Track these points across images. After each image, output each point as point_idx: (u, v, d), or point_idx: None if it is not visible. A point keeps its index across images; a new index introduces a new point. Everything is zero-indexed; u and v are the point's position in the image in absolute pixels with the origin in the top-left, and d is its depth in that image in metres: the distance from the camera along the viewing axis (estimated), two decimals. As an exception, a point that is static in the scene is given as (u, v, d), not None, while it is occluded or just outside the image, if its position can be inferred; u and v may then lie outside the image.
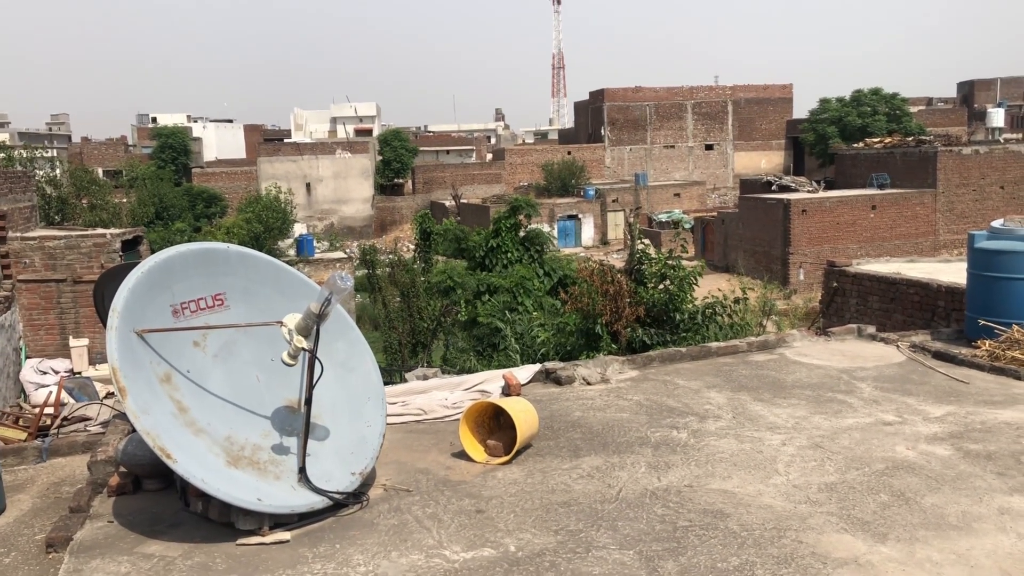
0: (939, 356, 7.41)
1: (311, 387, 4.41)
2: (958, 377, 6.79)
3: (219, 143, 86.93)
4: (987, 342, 7.50)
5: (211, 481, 3.97)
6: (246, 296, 4.85)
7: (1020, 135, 57.01)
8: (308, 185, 66.35)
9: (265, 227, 38.23)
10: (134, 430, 4.38)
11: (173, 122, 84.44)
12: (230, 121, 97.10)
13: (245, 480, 4.15)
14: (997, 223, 8.04)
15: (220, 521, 4.19)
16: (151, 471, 4.60)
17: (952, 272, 10.67)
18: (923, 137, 50.51)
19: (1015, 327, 7.43)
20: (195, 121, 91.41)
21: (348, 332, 5.08)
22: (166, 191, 55.14)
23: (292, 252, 37.64)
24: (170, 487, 4.62)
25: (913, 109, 63.19)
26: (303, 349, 4.35)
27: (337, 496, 4.35)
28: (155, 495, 4.65)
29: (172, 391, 4.34)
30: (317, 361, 4.37)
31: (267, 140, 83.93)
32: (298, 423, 4.53)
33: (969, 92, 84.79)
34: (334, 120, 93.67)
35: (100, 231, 18.03)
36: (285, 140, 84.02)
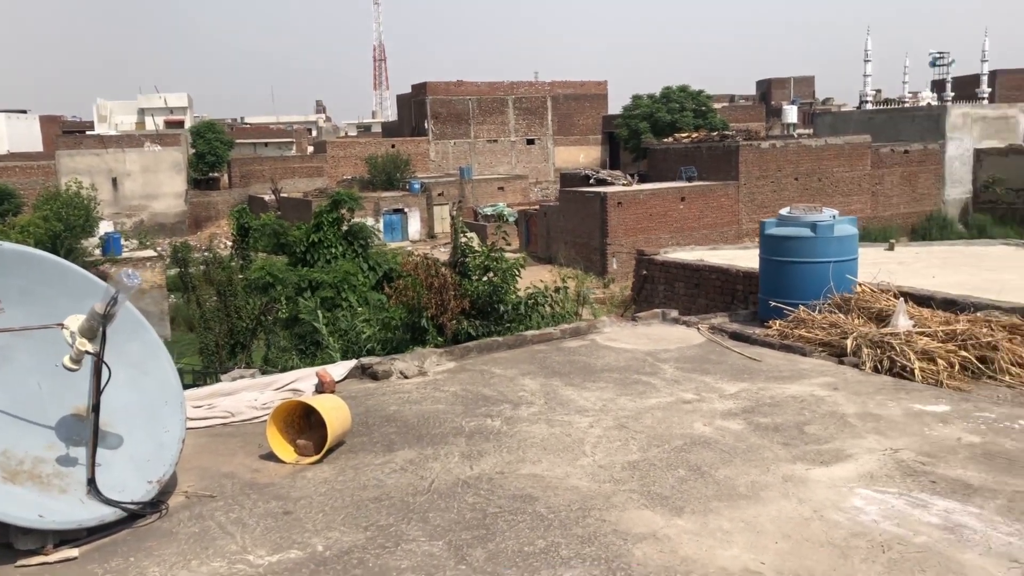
0: (735, 336, 7.89)
1: (98, 393, 4.13)
2: (751, 355, 7.26)
3: (11, 135, 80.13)
4: (777, 322, 8.05)
5: (-16, 500, 3.65)
6: (25, 298, 4.48)
7: (810, 130, 61.65)
8: (115, 180, 62.36)
9: (66, 225, 35.62)
10: None
11: (-44, 112, 77.18)
12: (23, 111, 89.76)
13: (24, 496, 3.84)
14: (785, 211, 8.64)
15: (-2, 542, 3.86)
16: (-84, 493, 4.17)
17: (750, 258, 11.39)
18: (726, 132, 53.65)
19: (801, 307, 8.03)
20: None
21: (142, 333, 4.80)
22: (-51, 187, 50.33)
23: (98, 251, 35.33)
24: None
25: (717, 105, 66.92)
26: (87, 352, 4.07)
27: (132, 507, 4.11)
28: (-78, 520, 4.22)
29: (-62, 404, 3.95)
30: (104, 365, 4.10)
31: (67, 132, 78.19)
32: (86, 432, 4.24)
33: (767, 90, 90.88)
34: (142, 111, 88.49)
35: None
36: (88, 132, 78.64)
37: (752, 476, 4.65)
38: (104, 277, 4.97)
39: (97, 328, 4.10)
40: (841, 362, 6.98)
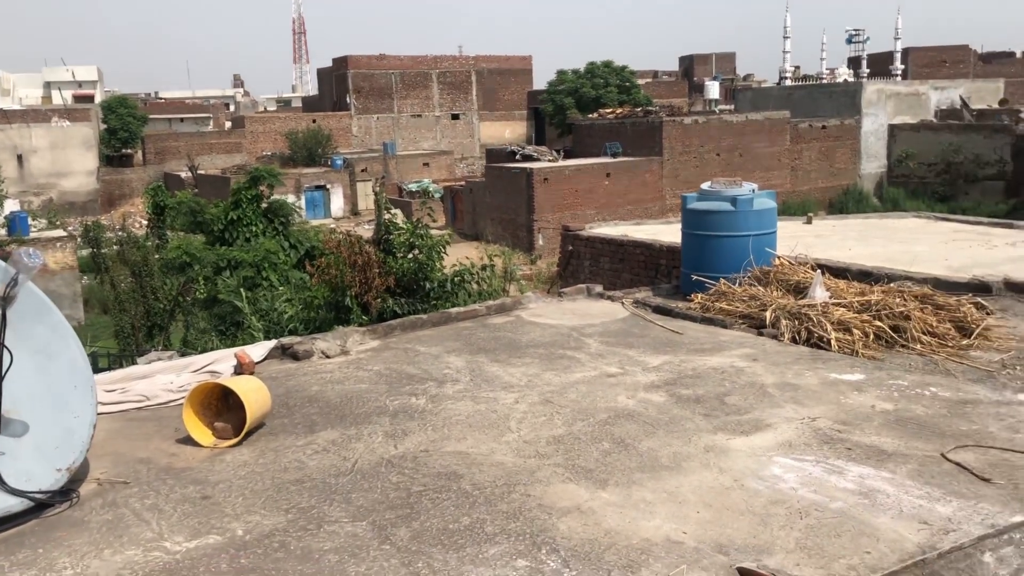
0: (658, 310, 7.98)
1: (0, 378, 3.94)
2: (674, 328, 7.35)
3: (-95, 110, 76.09)
4: (699, 295, 8.17)
5: None
6: (-83, 281, 4.23)
7: (732, 106, 62.67)
8: (20, 157, 59.71)
9: (-32, 205, 34.06)
10: None
11: None
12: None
13: (-79, 489, 3.65)
14: (705, 185, 8.75)
15: None
16: None
17: (673, 233, 11.51)
18: (650, 108, 54.18)
19: (722, 280, 8.16)
20: None
21: (48, 316, 4.58)
22: None
23: (3, 232, 33.86)
24: None
25: (641, 81, 67.48)
26: (-13, 337, 3.87)
27: (39, 496, 3.95)
28: None
29: None
30: (5, 349, 3.91)
31: (-32, 106, 74.57)
32: (-12, 420, 4.05)
33: (689, 66, 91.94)
34: (48, 85, 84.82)
35: None
36: (-9, 107, 75.09)
37: (674, 447, 4.71)
38: (5, 258, 4.74)
39: (-3, 311, 3.90)
40: (760, 334, 7.12)
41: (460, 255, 16.26)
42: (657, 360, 6.41)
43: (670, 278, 10.24)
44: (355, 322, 11.70)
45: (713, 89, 65.15)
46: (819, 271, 7.93)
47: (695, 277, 8.33)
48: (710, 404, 5.41)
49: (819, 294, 7.40)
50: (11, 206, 40.27)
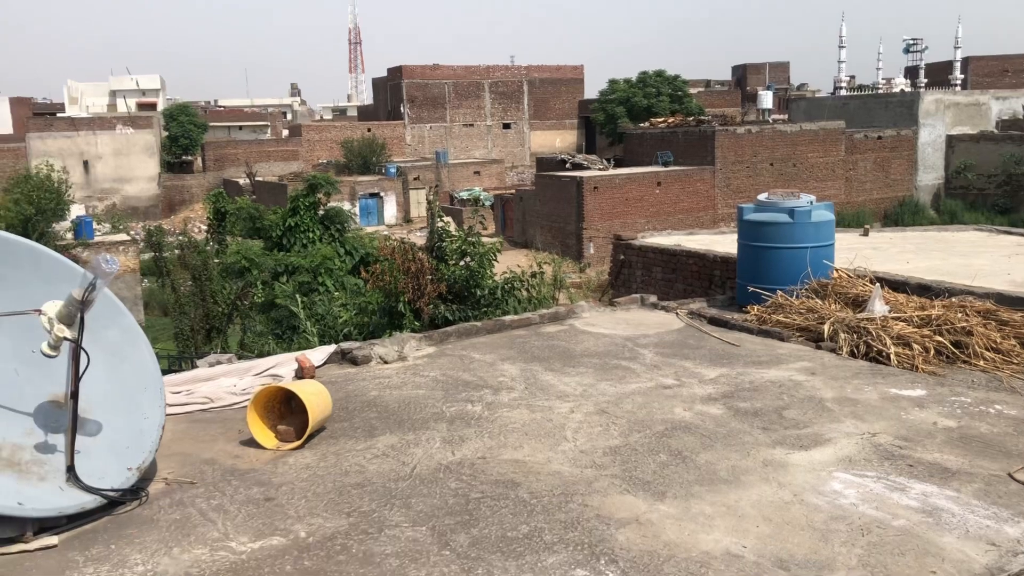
0: (714, 321, 7.93)
1: (77, 379, 4.09)
2: (730, 340, 7.30)
3: (-21, 117, 78.80)
4: (755, 307, 8.11)
5: (-39, 488, 3.61)
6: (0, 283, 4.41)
7: (786, 116, 61.95)
8: (86, 163, 61.47)
9: (37, 209, 35.09)
10: None
11: (-77, 93, 75.62)
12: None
13: (3, 484, 3.79)
14: (762, 196, 8.69)
15: (-25, 531, 3.81)
16: None
17: (727, 243, 11.45)
18: (702, 117, 53.86)
19: (779, 293, 8.09)
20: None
21: (120, 319, 4.74)
22: (-85, 170, 49.41)
23: (70, 236, 34.85)
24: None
25: (693, 91, 67.04)
26: (66, 339, 4.02)
27: (111, 494, 4.08)
28: None
29: (-88, 392, 3.89)
30: (83, 351, 4.05)
31: (37, 114, 76.87)
32: (64, 419, 4.19)
33: (742, 75, 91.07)
34: (114, 93, 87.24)
35: None
36: (59, 115, 77.37)
37: (733, 461, 4.68)
38: (76, 261, 4.91)
39: (75, 314, 4.05)
40: (818, 347, 7.04)
41: (510, 262, 16.36)
42: (714, 372, 6.38)
43: (724, 289, 10.17)
44: (407, 327, 11.84)
45: (766, 99, 64.42)
46: (878, 284, 7.82)
47: (751, 289, 8.27)
48: (768, 418, 5.37)
49: (878, 308, 7.30)
50: (77, 211, 41.39)
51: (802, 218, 8.19)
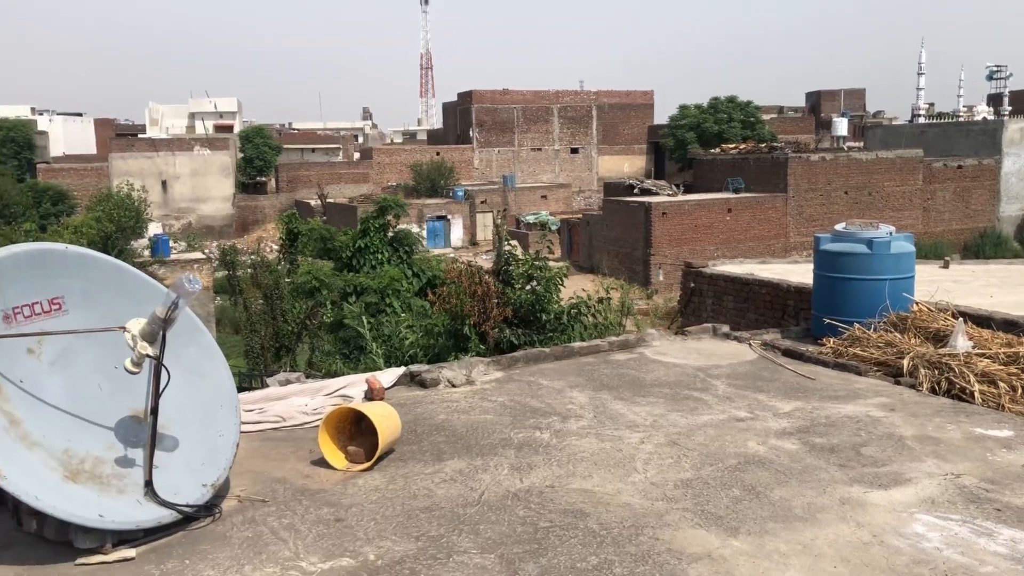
0: (788, 353, 7.76)
1: (157, 396, 4.18)
2: (805, 373, 7.13)
3: (67, 138, 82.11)
4: (832, 340, 7.92)
5: (45, 498, 3.71)
6: (87, 300, 4.55)
7: (861, 143, 60.77)
8: (164, 183, 63.56)
9: (117, 226, 36.32)
10: (-42, 446, 4.03)
11: (16, 114, 79.10)
12: (79, 115, 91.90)
13: (85, 495, 3.89)
14: (840, 226, 8.50)
15: (57, 540, 3.91)
16: (-22, 490, 4.25)
17: (801, 273, 11.22)
18: (775, 144, 53.13)
19: (856, 325, 7.88)
20: (40, 114, 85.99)
21: (199, 337, 4.85)
22: (7, 188, 51.66)
23: (147, 253, 35.97)
24: (0, 506, 4.28)
25: (766, 117, 66.31)
26: (148, 356, 4.12)
27: (186, 509, 4.14)
28: (-17, 515, 4.31)
29: (2, 402, 4.02)
30: (164, 368, 4.15)
31: (120, 135, 79.93)
32: (144, 434, 4.29)
33: (816, 102, 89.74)
34: (192, 115, 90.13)
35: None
36: (140, 135, 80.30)
37: (808, 498, 4.55)
38: (153, 278, 5.04)
39: (157, 331, 4.14)
40: (897, 382, 6.83)
41: (576, 287, 16.28)
42: (788, 406, 6.23)
43: (797, 320, 9.96)
44: (472, 351, 11.86)
45: (841, 126, 63.32)
46: (960, 319, 7.56)
47: (827, 321, 8.08)
48: (845, 454, 5.21)
49: (961, 343, 7.06)
50: (154, 229, 42.76)
51: (881, 249, 7.99)
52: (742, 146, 52.36)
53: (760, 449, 5.30)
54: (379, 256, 22.90)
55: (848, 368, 7.20)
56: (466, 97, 74.13)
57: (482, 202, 59.28)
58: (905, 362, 6.97)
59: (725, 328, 8.71)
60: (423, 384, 6.86)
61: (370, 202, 41.00)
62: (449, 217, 58.20)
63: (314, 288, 21.97)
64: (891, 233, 8.19)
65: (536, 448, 5.36)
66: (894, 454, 5.21)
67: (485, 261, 28.62)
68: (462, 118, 74.87)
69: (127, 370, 4.14)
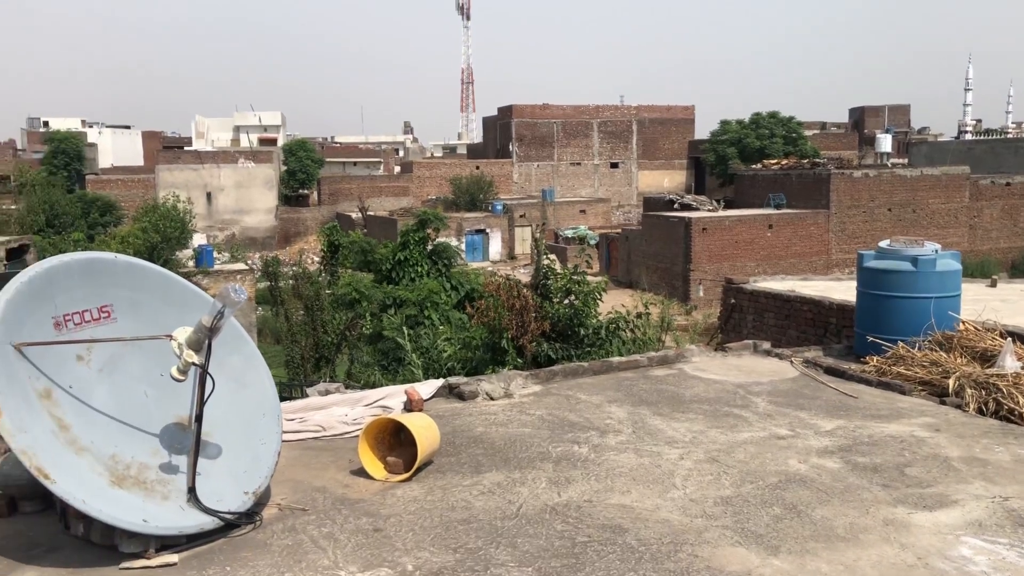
0: (830, 371, 7.66)
1: (202, 403, 4.25)
2: (848, 392, 7.03)
3: (115, 149, 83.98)
4: (875, 358, 7.80)
5: (92, 502, 3.78)
6: (134, 308, 4.64)
7: (905, 160, 59.94)
8: (209, 195, 64.64)
9: (163, 237, 37.00)
10: (9, 449, 4.13)
11: (66, 127, 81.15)
12: (127, 127, 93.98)
13: (130, 500, 3.96)
14: (884, 243, 8.39)
15: (103, 544, 3.99)
16: (28, 492, 4.35)
17: (843, 290, 11.09)
18: (817, 160, 52.60)
19: (900, 344, 7.76)
20: (90, 126, 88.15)
21: (243, 346, 4.92)
22: (58, 198, 52.92)
23: (191, 263, 36.55)
24: (49, 509, 4.37)
25: (808, 133, 65.74)
26: (194, 364, 4.19)
27: (228, 516, 4.20)
28: (32, 518, 4.40)
29: (52, 408, 4.11)
30: (208, 377, 4.21)
31: (167, 147, 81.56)
32: (188, 441, 4.36)
33: (860, 118, 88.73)
34: (237, 129, 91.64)
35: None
36: (186, 148, 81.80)
37: (851, 518, 4.49)
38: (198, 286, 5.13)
39: (203, 340, 4.21)
40: (943, 402, 6.71)
41: (615, 302, 16.23)
42: (830, 424, 6.15)
43: (839, 338, 9.83)
44: (510, 364, 11.86)
45: (885, 142, 62.56)
46: (1009, 339, 7.40)
47: (871, 339, 7.96)
48: (889, 474, 5.13)
49: (1009, 363, 6.92)
50: (199, 239, 43.49)
51: (926, 267, 7.86)
52: (784, 162, 51.94)
53: (801, 467, 5.23)
54: (418, 269, 23.05)
55: (892, 387, 7.09)
56: (506, 112, 74.45)
57: (521, 216, 59.41)
58: (951, 382, 6.85)
59: (766, 345, 8.62)
60: (461, 396, 6.88)
61: (410, 215, 41.33)
62: (488, 231, 58.41)
63: (354, 300, 22.16)
64: (936, 251, 8.06)
65: (574, 462, 5.35)
66: (940, 475, 5.12)
67: (523, 275, 28.67)
68: (502, 132, 75.19)
69: (173, 378, 4.21)
